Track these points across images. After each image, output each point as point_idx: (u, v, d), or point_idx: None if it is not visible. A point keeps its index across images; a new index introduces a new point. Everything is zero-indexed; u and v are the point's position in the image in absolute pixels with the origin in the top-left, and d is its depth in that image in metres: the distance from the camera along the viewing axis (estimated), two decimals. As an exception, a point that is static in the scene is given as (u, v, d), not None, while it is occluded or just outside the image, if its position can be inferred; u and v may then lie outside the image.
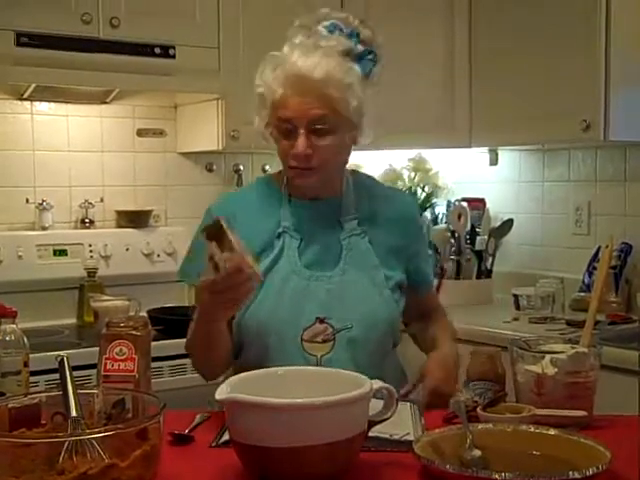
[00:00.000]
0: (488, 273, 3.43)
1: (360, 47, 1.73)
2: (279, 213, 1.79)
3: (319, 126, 1.67)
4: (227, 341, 1.70)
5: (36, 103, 3.08)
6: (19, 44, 2.65)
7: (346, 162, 1.83)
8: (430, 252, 2.01)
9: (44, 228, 3.07)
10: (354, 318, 1.72)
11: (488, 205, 3.60)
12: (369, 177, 1.96)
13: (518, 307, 3.17)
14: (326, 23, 1.74)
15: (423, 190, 3.62)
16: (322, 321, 1.71)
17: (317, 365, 1.67)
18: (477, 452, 1.27)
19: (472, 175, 3.72)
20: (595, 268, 3.08)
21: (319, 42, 1.70)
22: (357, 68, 1.71)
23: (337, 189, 1.81)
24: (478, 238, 3.43)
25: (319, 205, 1.80)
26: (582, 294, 3.09)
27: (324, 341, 1.70)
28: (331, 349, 1.70)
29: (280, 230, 1.77)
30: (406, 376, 1.90)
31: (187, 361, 2.66)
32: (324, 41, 1.71)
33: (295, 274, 1.74)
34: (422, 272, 1.91)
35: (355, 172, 1.91)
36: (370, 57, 1.75)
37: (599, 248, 3.13)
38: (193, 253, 1.82)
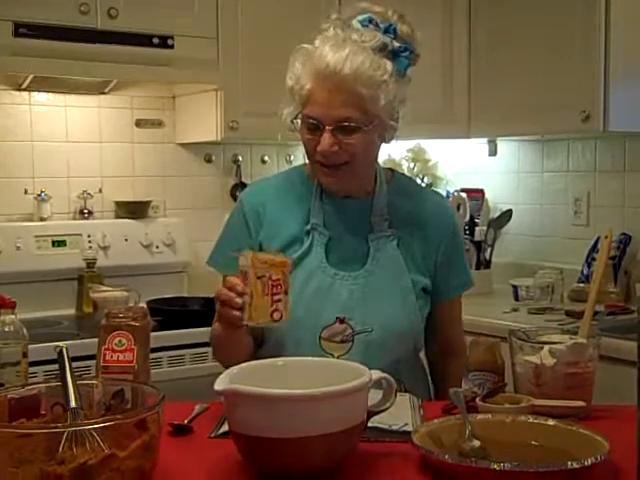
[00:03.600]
0: (487, 264, 3.43)
1: (396, 43, 1.66)
2: (309, 207, 1.77)
3: (345, 124, 1.63)
4: (244, 344, 1.69)
5: (34, 94, 3.08)
6: (17, 34, 2.65)
7: (375, 159, 1.79)
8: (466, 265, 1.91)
9: (43, 219, 3.07)
10: (374, 322, 1.70)
11: (487, 196, 3.60)
12: (407, 177, 1.92)
13: (517, 298, 3.18)
14: (360, 17, 1.68)
15: (422, 181, 3.61)
16: (342, 321, 1.70)
17: None
18: (476, 442, 1.27)
19: (471, 166, 3.72)
20: (594, 259, 3.09)
21: (351, 35, 1.64)
22: (389, 65, 1.65)
23: (369, 188, 1.78)
24: (477, 229, 3.43)
25: (350, 203, 1.77)
26: (581, 285, 3.10)
27: (342, 341, 1.70)
28: (348, 350, 1.69)
29: (309, 227, 1.75)
30: (427, 381, 1.88)
31: (186, 352, 2.68)
32: (356, 35, 1.64)
33: (320, 271, 1.72)
34: (448, 284, 1.83)
35: (393, 171, 1.87)
36: (406, 54, 1.68)
37: (598, 239, 3.13)
38: (220, 241, 1.84)
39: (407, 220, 1.78)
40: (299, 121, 1.69)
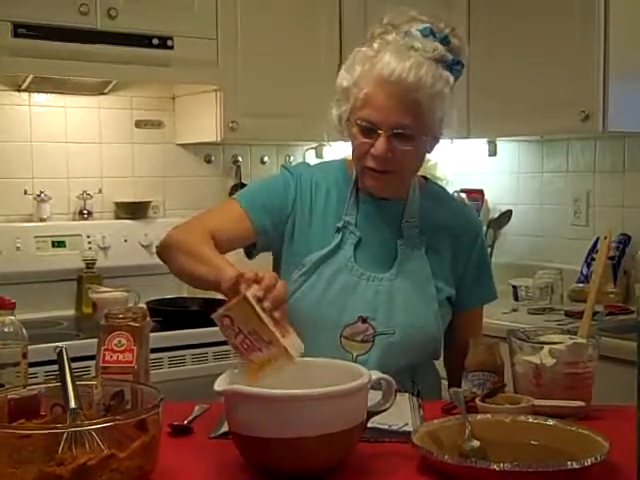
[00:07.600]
0: (487, 264, 3.43)
1: (449, 55, 1.67)
2: (345, 204, 1.78)
3: (401, 131, 1.64)
4: None
5: (34, 94, 3.08)
6: (16, 35, 2.64)
7: (419, 168, 1.80)
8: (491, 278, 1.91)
9: (42, 219, 3.06)
10: (397, 324, 1.71)
11: (487, 196, 3.60)
12: (440, 187, 1.94)
13: (517, 298, 3.18)
14: (421, 26, 1.67)
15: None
16: (365, 321, 1.70)
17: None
18: (476, 443, 1.27)
19: (471, 166, 3.72)
20: (593, 259, 3.09)
21: (414, 44, 1.64)
22: (450, 77, 1.66)
23: (404, 193, 1.78)
24: (477, 229, 3.43)
25: (384, 206, 1.78)
26: (580, 285, 3.10)
27: (363, 341, 1.70)
28: (368, 350, 1.69)
29: (340, 224, 1.76)
30: (440, 386, 1.88)
31: (186, 352, 2.68)
32: (418, 43, 1.64)
33: (347, 269, 1.73)
34: (472, 295, 1.84)
35: (427, 179, 1.88)
36: (457, 68, 1.70)
37: (597, 239, 3.13)
38: (257, 186, 1.85)
39: (437, 228, 1.79)
40: (348, 125, 1.69)
